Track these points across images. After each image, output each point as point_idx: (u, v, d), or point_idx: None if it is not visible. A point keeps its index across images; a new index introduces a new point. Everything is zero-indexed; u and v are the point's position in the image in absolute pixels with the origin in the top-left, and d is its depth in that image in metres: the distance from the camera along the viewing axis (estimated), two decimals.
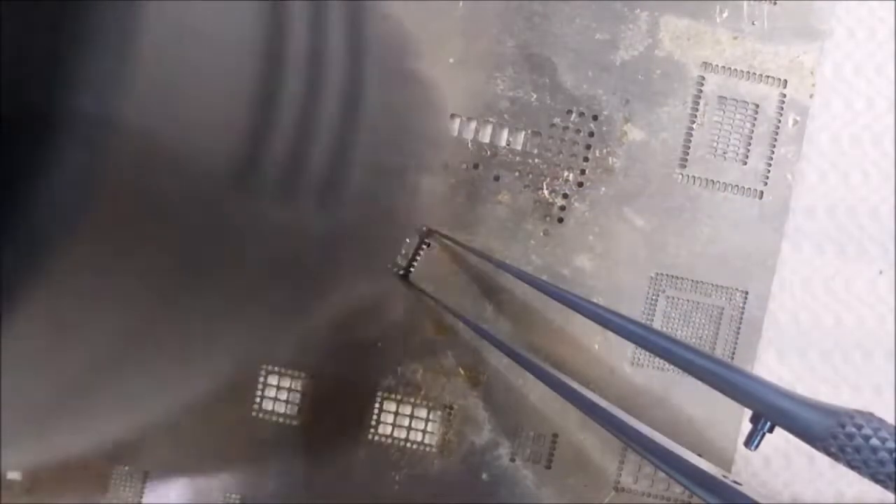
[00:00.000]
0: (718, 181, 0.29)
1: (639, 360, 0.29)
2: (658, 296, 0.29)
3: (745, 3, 0.29)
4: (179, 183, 0.07)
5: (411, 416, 0.29)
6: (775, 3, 0.29)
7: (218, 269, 0.09)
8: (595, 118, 0.29)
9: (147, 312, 0.08)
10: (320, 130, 0.09)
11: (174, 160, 0.07)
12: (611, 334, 0.25)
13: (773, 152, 0.29)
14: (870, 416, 0.17)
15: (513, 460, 0.29)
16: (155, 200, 0.07)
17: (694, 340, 0.29)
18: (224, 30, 0.07)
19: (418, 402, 0.29)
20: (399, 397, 0.29)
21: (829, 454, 0.17)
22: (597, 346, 0.29)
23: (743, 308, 0.29)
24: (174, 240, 0.08)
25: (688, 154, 0.29)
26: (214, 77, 0.07)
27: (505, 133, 0.29)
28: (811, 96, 0.29)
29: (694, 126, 0.29)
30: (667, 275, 0.29)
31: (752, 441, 0.19)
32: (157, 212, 0.07)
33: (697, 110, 0.29)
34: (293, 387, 0.29)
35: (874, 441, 0.16)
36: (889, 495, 0.18)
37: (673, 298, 0.29)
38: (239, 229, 0.09)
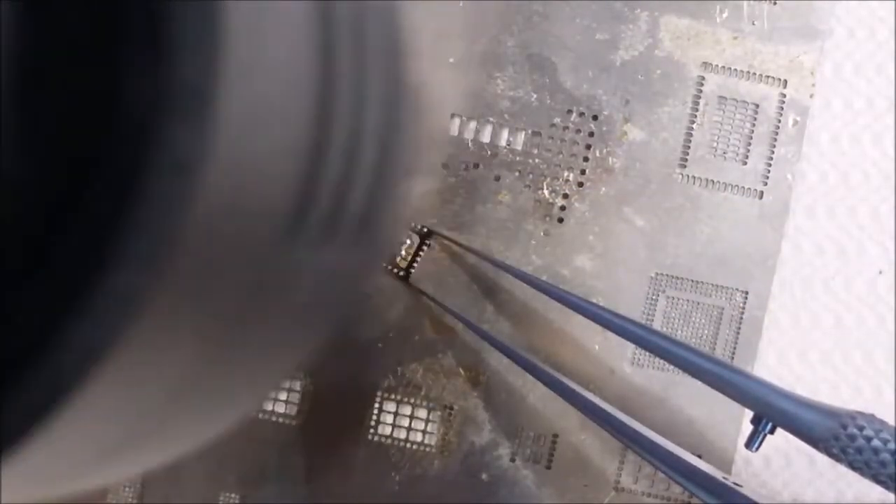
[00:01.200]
0: (718, 181, 0.29)
1: (639, 360, 0.29)
2: (658, 296, 0.29)
3: (745, 3, 0.29)
4: (230, 237, 0.08)
5: (411, 417, 0.29)
6: (775, 3, 0.29)
7: (262, 319, 0.09)
8: (595, 118, 0.29)
9: (194, 365, 0.08)
10: (361, 166, 0.09)
11: (228, 211, 0.07)
12: (611, 334, 0.25)
13: (773, 152, 0.29)
14: (871, 418, 0.17)
15: (513, 460, 0.29)
16: (206, 257, 0.07)
17: (694, 340, 0.29)
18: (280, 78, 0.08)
19: (418, 402, 0.29)
20: (399, 397, 0.29)
21: (830, 455, 0.17)
22: (597, 347, 0.29)
23: (743, 308, 0.29)
24: (223, 294, 0.08)
25: (688, 154, 0.29)
26: (270, 124, 0.08)
27: (505, 133, 0.29)
28: (811, 96, 0.29)
29: (694, 126, 0.29)
30: (667, 275, 0.29)
31: (752, 442, 0.20)
32: (208, 268, 0.07)
33: (697, 110, 0.29)
34: (293, 387, 0.29)
35: (876, 442, 0.16)
36: (890, 496, 0.18)
37: (673, 298, 0.29)
38: (284, 277, 0.09)
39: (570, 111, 0.29)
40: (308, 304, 0.10)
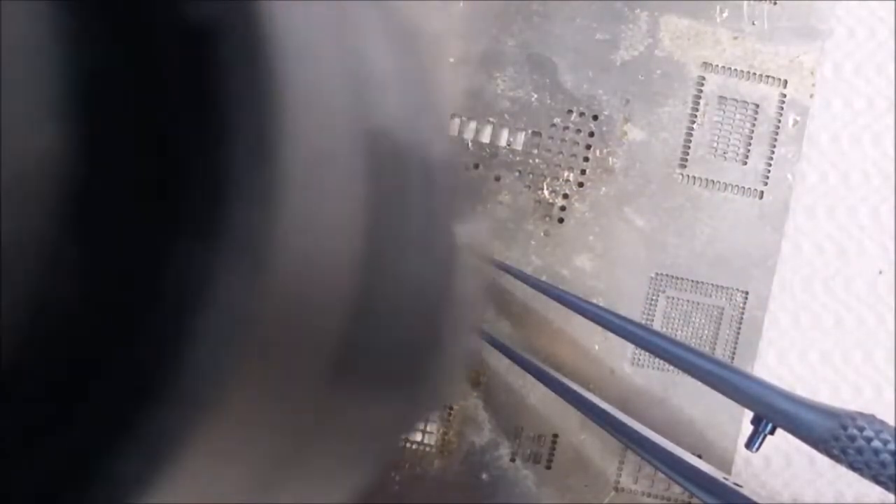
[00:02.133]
0: (718, 181, 0.29)
1: (639, 360, 0.29)
2: (658, 296, 0.29)
3: (745, 3, 0.29)
4: (279, 381, 0.08)
5: None
6: (775, 3, 0.29)
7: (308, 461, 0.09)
8: (595, 118, 0.29)
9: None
10: (404, 313, 0.09)
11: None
12: (611, 334, 0.25)
13: (773, 152, 0.29)
14: (871, 418, 0.17)
15: (513, 460, 0.29)
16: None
17: (694, 341, 0.29)
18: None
19: None
20: None
21: (830, 456, 0.17)
22: (597, 347, 0.29)
23: (743, 308, 0.29)
24: (271, 437, 0.08)
25: (688, 154, 0.29)
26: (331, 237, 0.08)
27: (505, 133, 0.29)
28: (811, 96, 0.29)
29: (694, 126, 0.29)
30: (667, 275, 0.29)
31: (753, 442, 0.20)
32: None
33: (697, 110, 0.29)
34: None
35: (876, 443, 0.16)
36: (889, 496, 0.18)
37: (673, 299, 0.29)
38: (333, 420, 0.09)
39: (570, 111, 0.29)
40: (355, 447, 0.10)
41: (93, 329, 0.07)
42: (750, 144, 0.29)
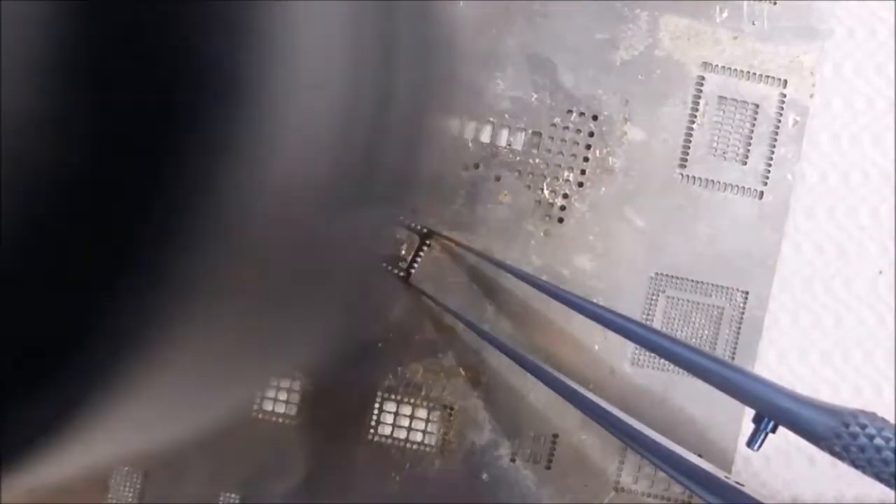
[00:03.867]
0: (718, 181, 0.29)
1: (639, 360, 0.29)
2: (658, 296, 0.29)
3: (745, 3, 0.29)
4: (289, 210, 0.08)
5: (411, 417, 0.29)
6: (775, 3, 0.29)
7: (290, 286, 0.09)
8: (595, 118, 0.29)
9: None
10: (391, 137, 0.10)
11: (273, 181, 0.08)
12: (611, 334, 0.25)
13: (773, 152, 0.29)
14: (873, 416, 0.17)
15: (513, 460, 0.29)
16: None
17: (694, 341, 0.29)
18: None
19: (418, 402, 0.29)
20: (399, 397, 0.29)
21: (832, 454, 0.17)
22: (597, 347, 0.29)
23: (743, 308, 0.29)
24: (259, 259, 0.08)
25: (688, 154, 0.29)
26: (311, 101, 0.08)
27: (505, 133, 0.29)
28: (811, 96, 0.29)
29: (694, 126, 0.29)
30: (667, 275, 0.29)
31: (754, 441, 0.19)
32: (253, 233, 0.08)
33: (697, 110, 0.29)
34: (292, 387, 0.28)
35: (878, 441, 0.16)
36: (890, 495, 0.18)
37: (673, 298, 0.29)
38: (320, 243, 0.09)
39: (570, 111, 0.29)
40: (350, 260, 0.10)
41: (95, 224, 0.07)
42: (750, 144, 0.29)
